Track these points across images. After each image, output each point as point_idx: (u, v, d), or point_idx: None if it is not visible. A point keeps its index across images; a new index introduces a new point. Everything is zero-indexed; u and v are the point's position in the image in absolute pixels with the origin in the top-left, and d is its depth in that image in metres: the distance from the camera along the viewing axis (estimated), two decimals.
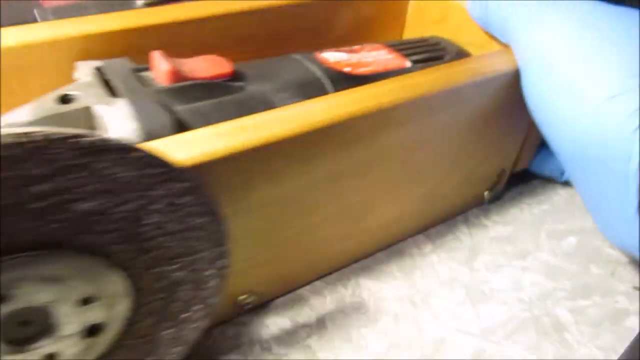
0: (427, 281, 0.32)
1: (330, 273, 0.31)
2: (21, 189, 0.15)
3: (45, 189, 0.15)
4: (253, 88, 0.26)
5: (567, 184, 0.39)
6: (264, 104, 0.26)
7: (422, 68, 0.30)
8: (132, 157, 0.16)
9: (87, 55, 0.27)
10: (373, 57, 0.31)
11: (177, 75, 0.24)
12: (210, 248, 0.19)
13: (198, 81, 0.25)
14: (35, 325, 0.18)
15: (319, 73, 0.28)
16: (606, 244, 0.36)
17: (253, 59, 0.31)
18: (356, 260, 0.32)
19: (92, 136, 0.15)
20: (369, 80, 0.27)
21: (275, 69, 0.28)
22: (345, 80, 0.29)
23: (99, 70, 0.25)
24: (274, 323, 0.29)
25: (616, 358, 0.29)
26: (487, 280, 0.33)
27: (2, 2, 0.41)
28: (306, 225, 0.27)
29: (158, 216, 0.18)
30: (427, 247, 0.35)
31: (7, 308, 0.17)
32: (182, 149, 0.20)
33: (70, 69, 0.26)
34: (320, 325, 0.29)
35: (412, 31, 0.40)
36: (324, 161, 0.24)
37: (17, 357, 0.18)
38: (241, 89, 0.26)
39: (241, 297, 0.27)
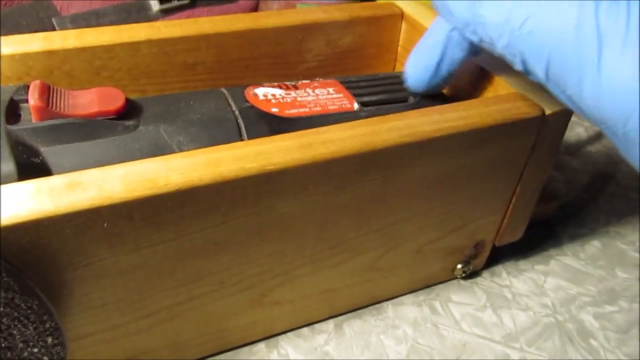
0: (447, 286, 0.31)
1: (241, 346, 0.28)
2: None
3: None
4: (146, 129, 0.23)
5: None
6: (156, 148, 0.22)
7: (370, 112, 0.26)
8: None
9: (1, 79, 0.25)
10: (314, 95, 0.27)
11: (44, 112, 0.21)
12: (29, 324, 0.17)
13: (74, 119, 0.22)
14: None
15: (236, 112, 0.24)
16: (631, 248, 0.35)
17: (203, 88, 0.28)
18: (275, 334, 0.28)
19: None
20: (298, 124, 0.24)
21: (184, 105, 0.25)
22: (266, 123, 0.25)
23: None
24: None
25: None
26: (508, 285, 0.31)
27: (20, 10, 0.43)
28: (188, 296, 0.23)
29: None
30: None
31: None
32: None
33: None
34: (338, 331, 0.28)
35: (402, 66, 0.35)
36: (193, 227, 0.20)
37: None
38: (131, 129, 0.23)
39: None
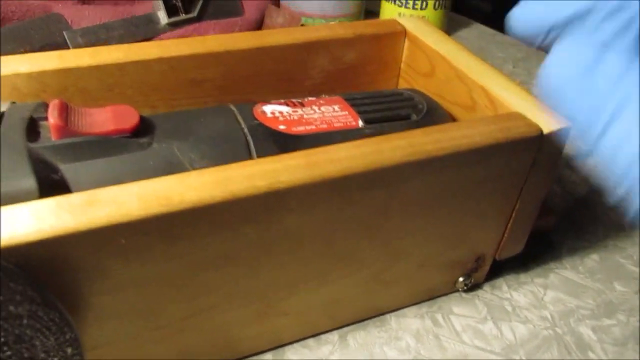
0: (448, 298, 0.31)
1: (248, 356, 0.28)
2: None
3: None
4: (159, 146, 0.24)
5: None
6: (169, 165, 0.23)
7: (374, 129, 0.26)
8: None
9: (18, 95, 0.26)
10: (320, 112, 0.27)
11: (63, 130, 0.22)
12: (50, 335, 0.18)
13: (90, 137, 0.22)
14: None
15: (245, 130, 0.25)
16: (629, 261, 0.35)
17: (210, 104, 0.29)
18: (281, 345, 0.29)
19: None
20: (305, 141, 0.24)
21: (195, 122, 0.26)
22: (274, 140, 0.25)
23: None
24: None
25: None
26: (509, 298, 0.32)
27: (32, 24, 0.43)
28: (198, 308, 0.23)
29: None
30: None
31: None
32: (17, 222, 0.17)
33: None
34: (342, 342, 0.28)
35: (406, 82, 0.36)
36: (205, 242, 0.21)
37: None
38: (145, 146, 0.24)
39: None
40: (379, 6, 0.60)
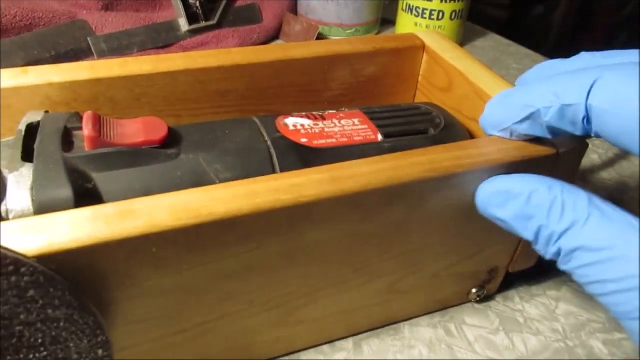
0: (461, 309, 0.32)
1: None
2: None
3: None
4: (186, 157, 0.25)
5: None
6: (196, 176, 0.24)
7: (393, 143, 0.27)
8: None
9: (50, 104, 0.27)
10: (340, 126, 0.28)
11: (97, 141, 0.23)
12: (84, 338, 0.19)
13: (122, 148, 0.23)
14: None
15: (268, 142, 0.26)
16: None
17: (234, 114, 0.30)
18: (297, 351, 0.29)
19: None
20: (326, 155, 0.25)
21: (221, 134, 0.26)
22: (296, 153, 0.26)
23: (30, 125, 0.24)
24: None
25: None
26: (521, 310, 0.32)
27: (57, 30, 0.45)
28: (220, 314, 0.24)
29: (8, 307, 0.17)
30: None
31: None
32: (56, 230, 0.18)
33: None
34: (357, 349, 0.29)
35: (423, 95, 0.37)
36: (230, 252, 0.21)
37: None
38: (173, 157, 0.24)
39: None
40: (395, 15, 0.60)
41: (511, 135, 0.24)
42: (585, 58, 0.24)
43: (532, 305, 0.32)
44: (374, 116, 0.29)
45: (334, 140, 0.27)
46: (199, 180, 0.23)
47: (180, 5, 0.50)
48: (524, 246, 0.30)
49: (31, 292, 0.17)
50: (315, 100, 0.33)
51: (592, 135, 0.21)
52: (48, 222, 0.18)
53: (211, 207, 0.19)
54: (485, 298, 0.32)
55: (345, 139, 0.27)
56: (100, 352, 0.19)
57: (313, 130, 0.27)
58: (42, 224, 0.18)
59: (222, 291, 0.22)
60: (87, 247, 0.18)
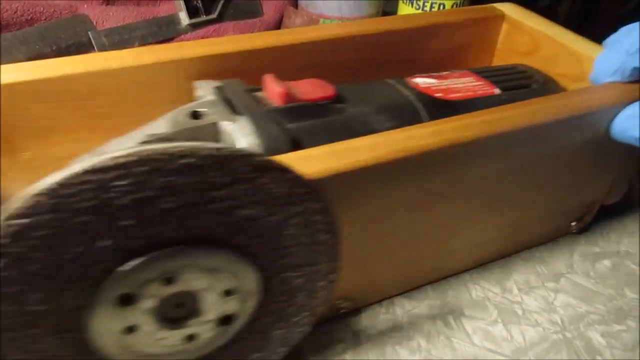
0: (459, 300, 0.32)
1: (418, 287, 0.33)
2: (204, 192, 0.18)
3: (221, 195, 0.19)
4: (353, 110, 0.28)
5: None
6: (364, 125, 0.28)
7: (509, 95, 0.31)
8: (287, 177, 0.20)
9: (200, 75, 0.31)
10: (462, 83, 0.32)
11: (288, 97, 0.27)
12: (327, 262, 0.22)
13: (306, 102, 0.27)
14: (185, 309, 0.21)
15: (411, 97, 0.30)
16: None
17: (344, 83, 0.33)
18: (442, 278, 0.33)
19: (262, 156, 0.19)
20: (459, 106, 0.29)
21: (370, 92, 0.30)
22: (436, 105, 0.30)
23: (218, 89, 0.28)
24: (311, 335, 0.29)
25: None
26: (519, 301, 0.33)
27: (58, 24, 0.45)
28: (396, 242, 0.28)
29: (294, 229, 0.21)
30: None
31: (172, 289, 0.20)
32: (301, 165, 0.21)
33: (186, 85, 0.31)
34: (355, 340, 0.30)
35: (501, 60, 0.41)
36: (421, 183, 0.26)
37: (166, 333, 0.21)
38: (342, 110, 0.28)
39: (337, 302, 0.29)
40: (396, 7, 0.60)
41: (623, 77, 0.30)
42: None
43: (530, 297, 0.32)
44: (484, 75, 0.34)
45: (462, 94, 0.31)
46: (366, 129, 0.27)
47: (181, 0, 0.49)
48: (616, 182, 0.34)
49: (317, 217, 0.21)
50: (412, 68, 0.37)
51: None
52: (303, 157, 0.23)
53: (417, 142, 0.24)
54: (485, 291, 0.32)
55: (471, 93, 0.31)
56: (331, 276, 0.23)
57: (441, 86, 0.31)
58: (302, 157, 0.23)
59: (400, 221, 0.27)
60: (327, 177, 0.22)
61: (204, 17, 0.52)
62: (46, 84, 0.28)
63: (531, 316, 0.32)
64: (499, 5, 0.40)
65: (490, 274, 0.34)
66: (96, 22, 0.46)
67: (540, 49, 0.37)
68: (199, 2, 0.52)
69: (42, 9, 0.44)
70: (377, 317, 0.31)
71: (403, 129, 0.25)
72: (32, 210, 0.16)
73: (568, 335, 0.30)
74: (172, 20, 0.50)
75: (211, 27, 0.52)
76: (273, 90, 0.27)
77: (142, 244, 0.18)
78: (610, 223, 0.38)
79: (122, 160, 0.16)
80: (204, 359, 0.23)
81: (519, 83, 0.34)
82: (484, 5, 0.40)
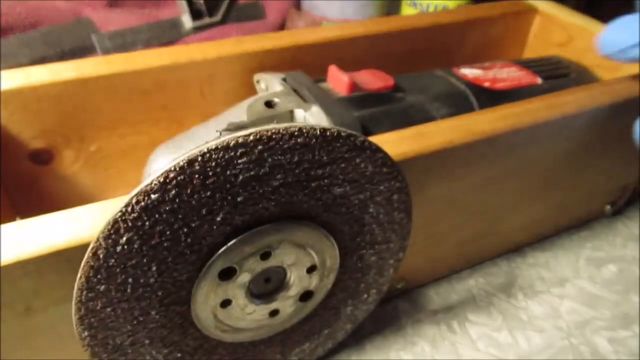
0: (464, 306, 0.32)
1: (465, 268, 0.34)
2: (309, 170, 0.19)
3: (320, 173, 0.20)
4: (411, 99, 0.30)
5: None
6: (422, 113, 0.29)
7: (551, 84, 0.33)
8: (377, 157, 0.20)
9: (261, 68, 0.33)
10: (506, 73, 0.34)
11: (354, 86, 0.28)
12: (398, 241, 0.23)
13: (369, 92, 0.29)
14: (272, 284, 0.22)
15: (462, 87, 0.32)
16: None
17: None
18: (483, 260, 0.35)
19: (362, 137, 0.20)
20: (507, 95, 0.31)
21: (424, 82, 0.32)
22: (485, 94, 0.31)
23: (284, 80, 0.29)
24: None
25: None
26: (524, 307, 0.32)
27: (62, 28, 0.45)
28: (454, 223, 0.30)
29: (376, 207, 0.22)
30: (465, 272, 0.35)
31: (266, 264, 0.21)
32: (387, 147, 0.22)
33: (245, 77, 0.33)
34: (359, 346, 0.29)
35: (532, 52, 0.43)
36: (482, 166, 0.27)
37: (255, 307, 0.22)
38: (402, 99, 0.29)
39: (394, 282, 0.30)
40: (398, 11, 0.60)
41: (623, 58, 0.29)
42: None
43: (535, 303, 0.32)
44: (526, 65, 0.35)
45: (508, 83, 0.32)
46: (424, 116, 0.29)
47: (184, 2, 0.49)
48: None
49: (396, 196, 0.22)
50: (450, 60, 0.39)
51: None
52: (381, 140, 0.24)
53: (482, 127, 0.25)
54: (488, 295, 0.32)
55: (515, 82, 0.32)
56: (400, 254, 0.24)
57: (487, 76, 0.32)
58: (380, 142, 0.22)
59: (460, 203, 0.28)
60: (407, 159, 0.23)
61: (207, 20, 0.52)
62: (118, 78, 0.30)
63: (536, 322, 0.31)
64: (531, 1, 0.43)
65: (495, 279, 0.34)
66: (100, 25, 0.46)
67: (574, 40, 0.39)
68: (203, 5, 0.52)
69: (45, 12, 0.44)
70: (380, 323, 0.31)
71: (467, 114, 0.26)
72: (160, 186, 0.17)
73: (574, 341, 0.30)
74: (176, 23, 0.50)
75: (214, 30, 0.52)
76: (340, 80, 0.28)
77: (247, 220, 0.19)
78: (616, 227, 0.38)
79: (243, 139, 0.17)
80: (281, 334, 0.24)
81: (558, 72, 0.35)
82: (516, 1, 0.43)
